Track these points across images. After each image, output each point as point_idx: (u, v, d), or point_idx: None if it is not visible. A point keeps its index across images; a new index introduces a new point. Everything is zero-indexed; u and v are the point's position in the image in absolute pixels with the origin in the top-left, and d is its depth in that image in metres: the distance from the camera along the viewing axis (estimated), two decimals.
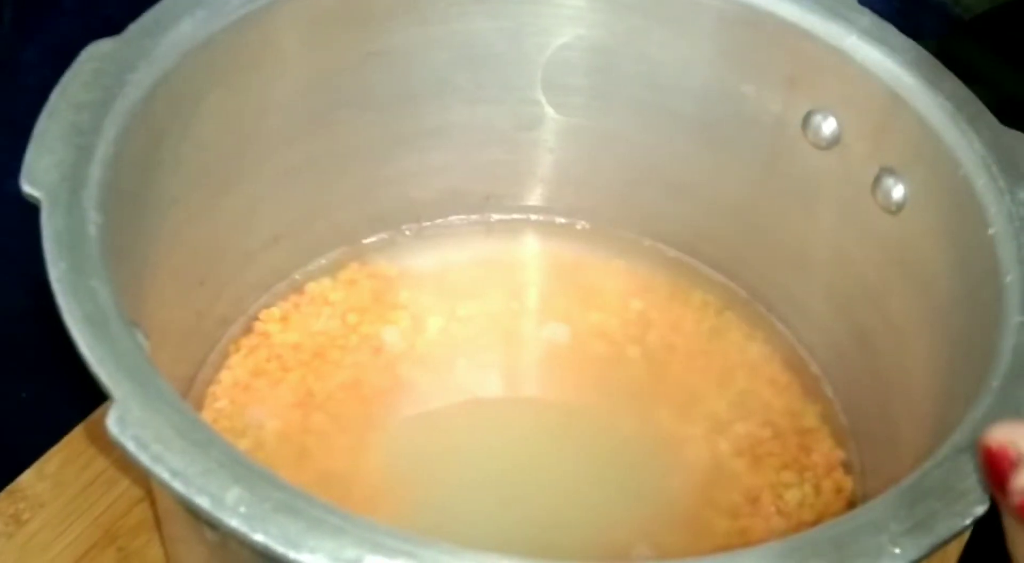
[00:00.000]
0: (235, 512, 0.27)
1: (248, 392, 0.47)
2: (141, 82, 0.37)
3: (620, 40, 0.47)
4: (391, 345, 0.49)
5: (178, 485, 0.27)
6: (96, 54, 0.37)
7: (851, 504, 0.46)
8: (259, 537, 0.27)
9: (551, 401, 0.49)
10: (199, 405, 0.46)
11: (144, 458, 0.28)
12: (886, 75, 0.42)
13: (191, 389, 0.46)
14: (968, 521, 0.29)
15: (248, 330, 0.48)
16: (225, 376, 0.47)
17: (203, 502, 0.27)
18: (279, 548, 0.27)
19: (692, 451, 0.47)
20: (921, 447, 0.37)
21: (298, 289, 0.50)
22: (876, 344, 0.45)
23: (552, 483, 0.45)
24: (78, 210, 0.33)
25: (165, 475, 0.28)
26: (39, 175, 0.34)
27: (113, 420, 0.28)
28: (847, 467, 0.47)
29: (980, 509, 0.30)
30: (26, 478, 0.47)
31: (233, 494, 0.27)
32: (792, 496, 0.46)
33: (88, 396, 0.48)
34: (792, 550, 0.28)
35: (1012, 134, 0.40)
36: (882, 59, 0.42)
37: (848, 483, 0.46)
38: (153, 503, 0.46)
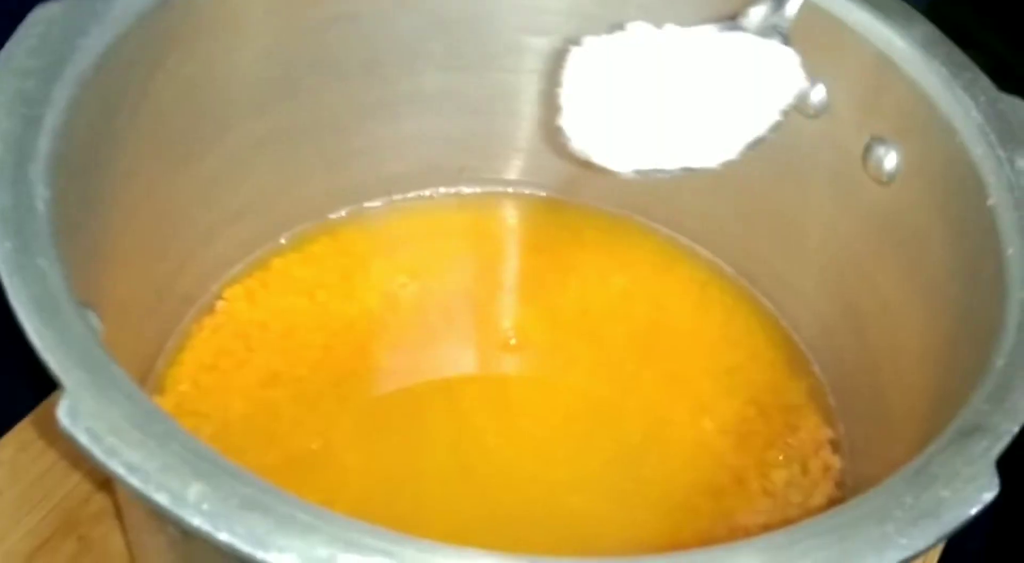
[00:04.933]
0: (198, 509, 0.25)
1: (212, 374, 0.45)
2: (93, 47, 0.35)
3: (602, 5, 0.45)
4: (361, 323, 0.47)
5: (135, 481, 0.26)
6: (43, 17, 0.36)
7: (839, 484, 0.45)
8: (224, 536, 0.25)
9: (529, 380, 0.48)
10: (160, 388, 0.44)
11: (98, 452, 0.26)
12: (877, 39, 0.41)
13: (151, 372, 0.44)
14: (977, 508, 0.28)
15: (211, 309, 0.47)
16: (187, 357, 0.45)
17: (162, 499, 0.25)
18: (245, 548, 0.25)
19: (676, 430, 0.46)
20: (915, 425, 0.37)
21: (264, 265, 0.48)
22: (866, 319, 0.44)
23: (530, 463, 0.44)
24: (25, 185, 0.31)
25: (121, 470, 0.26)
26: None
27: (64, 411, 0.27)
28: (835, 446, 0.46)
29: (989, 495, 0.28)
30: None
31: (195, 490, 0.26)
32: (779, 476, 0.45)
33: (44, 381, 0.46)
34: (793, 541, 0.27)
35: (1010, 100, 0.39)
36: (873, 23, 0.41)
37: (836, 462, 0.45)
38: (113, 491, 0.44)
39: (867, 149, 0.42)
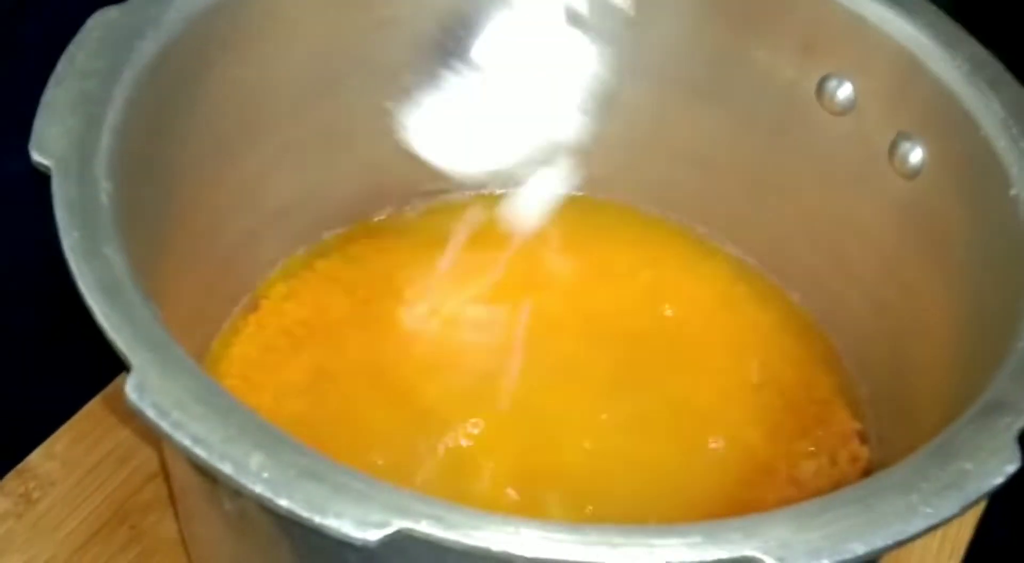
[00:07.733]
0: (259, 478, 0.27)
1: (258, 369, 0.46)
2: (149, 49, 0.37)
3: (630, 5, 0.46)
4: (402, 321, 0.48)
5: (200, 451, 0.27)
6: (102, 22, 0.37)
7: (867, 473, 0.45)
8: (284, 502, 0.26)
9: (564, 374, 0.49)
10: None
11: (164, 425, 0.27)
12: (903, 38, 0.42)
13: (200, 365, 0.45)
14: (1000, 480, 0.29)
15: (257, 307, 0.48)
16: (235, 352, 0.46)
17: (226, 468, 0.27)
18: (304, 513, 0.26)
19: (704, 423, 0.46)
20: (940, 414, 0.37)
21: (307, 265, 0.49)
22: (893, 311, 0.45)
23: (566, 456, 0.45)
24: (89, 178, 0.33)
25: (187, 442, 0.27)
26: (48, 143, 0.33)
27: (132, 387, 0.28)
28: (863, 437, 0.46)
29: (1011, 467, 0.29)
30: (35, 457, 0.47)
31: (256, 460, 0.27)
32: (807, 466, 0.45)
33: (95, 375, 0.48)
34: (822, 510, 0.28)
35: None
36: (898, 21, 0.42)
37: (864, 453, 0.46)
38: (167, 479, 0.46)
39: (893, 145, 0.43)
